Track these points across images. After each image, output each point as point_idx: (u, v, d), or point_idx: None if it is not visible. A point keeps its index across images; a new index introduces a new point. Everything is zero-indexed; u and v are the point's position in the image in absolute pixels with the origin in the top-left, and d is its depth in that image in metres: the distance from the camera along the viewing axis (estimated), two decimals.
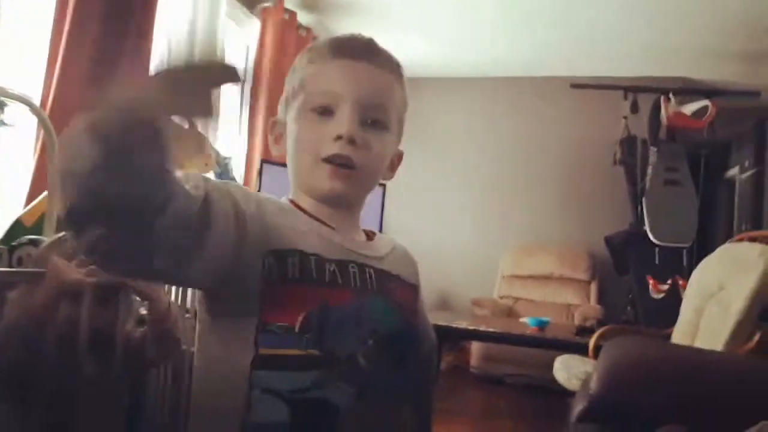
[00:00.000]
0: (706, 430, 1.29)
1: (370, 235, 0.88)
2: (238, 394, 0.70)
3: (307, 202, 0.81)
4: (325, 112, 0.79)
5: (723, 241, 2.71)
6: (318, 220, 0.79)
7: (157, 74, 0.60)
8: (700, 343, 2.25)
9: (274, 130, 0.87)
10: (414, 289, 0.87)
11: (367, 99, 0.79)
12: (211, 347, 0.75)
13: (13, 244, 1.53)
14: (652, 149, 4.01)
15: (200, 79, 0.61)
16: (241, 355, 0.71)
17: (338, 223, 0.81)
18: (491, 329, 3.36)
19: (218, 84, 0.64)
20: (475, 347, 4.31)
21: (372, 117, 0.80)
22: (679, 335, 2.44)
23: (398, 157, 0.88)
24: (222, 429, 0.71)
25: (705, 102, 3.89)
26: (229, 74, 0.62)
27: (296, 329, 0.71)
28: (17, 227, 1.82)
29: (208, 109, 0.61)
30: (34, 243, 1.51)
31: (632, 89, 4.05)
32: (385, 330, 0.76)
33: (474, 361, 4.31)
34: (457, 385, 4.11)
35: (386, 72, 0.83)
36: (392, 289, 0.81)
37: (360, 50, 0.82)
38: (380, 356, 0.75)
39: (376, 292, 0.78)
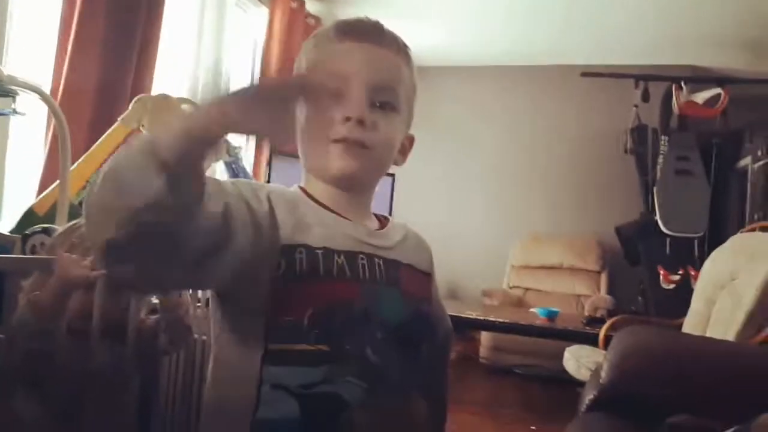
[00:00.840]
0: (716, 420, 1.28)
1: (382, 221, 0.86)
2: (249, 390, 0.70)
3: (318, 189, 0.80)
4: (334, 95, 0.76)
5: (735, 231, 2.69)
6: (327, 208, 0.79)
7: (233, 95, 0.59)
8: (711, 334, 2.24)
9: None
10: (427, 276, 0.87)
11: (375, 80, 0.78)
12: (223, 343, 0.76)
13: (27, 232, 1.54)
14: (663, 138, 3.97)
15: (276, 97, 0.60)
16: (252, 351, 0.71)
17: (349, 208, 0.80)
18: (501, 319, 3.36)
19: (293, 100, 0.63)
20: (485, 337, 4.31)
21: (381, 99, 0.78)
22: (690, 326, 2.43)
23: (409, 141, 0.87)
24: (232, 424, 0.72)
25: (717, 90, 3.85)
26: (302, 89, 0.62)
27: (305, 325, 0.70)
28: (30, 216, 1.83)
29: (286, 129, 0.62)
30: (46, 231, 1.52)
31: (643, 77, 4.00)
32: (395, 322, 0.75)
33: (483, 351, 4.31)
34: (466, 375, 4.11)
35: (394, 53, 0.81)
36: (403, 278, 0.80)
37: (367, 32, 0.80)
38: (391, 349, 0.74)
39: (386, 283, 0.77)
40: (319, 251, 0.73)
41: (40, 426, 1.15)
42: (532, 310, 3.63)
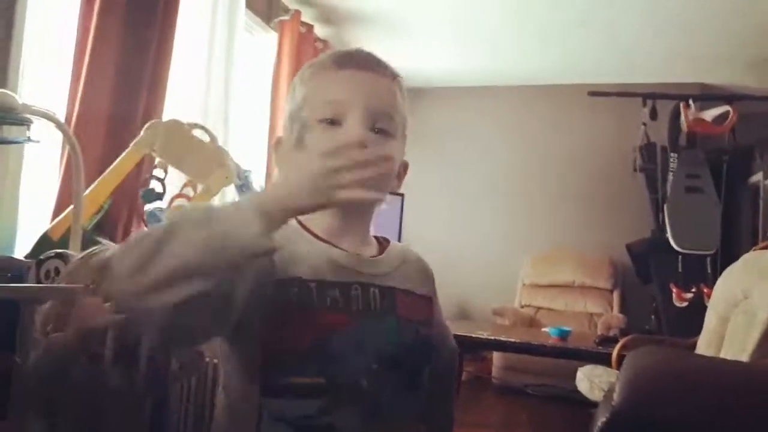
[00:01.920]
0: None
1: (382, 244, 0.87)
2: (251, 420, 0.71)
3: (313, 216, 0.77)
4: (333, 122, 0.78)
5: (747, 249, 2.67)
6: (321, 239, 0.79)
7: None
8: (725, 354, 2.21)
9: (279, 148, 0.86)
10: (427, 300, 0.87)
11: (374, 107, 0.79)
12: (230, 372, 0.77)
13: (41, 257, 1.56)
14: (673, 156, 3.96)
15: None
16: (253, 383, 0.72)
17: (346, 235, 0.81)
18: (512, 339, 3.34)
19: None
20: (497, 357, 4.28)
21: (379, 125, 0.79)
22: (703, 345, 2.40)
23: (404, 167, 0.88)
24: None
25: (726, 107, 3.84)
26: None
27: (299, 357, 0.72)
28: (45, 241, 1.85)
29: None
30: (60, 256, 1.53)
31: (651, 96, 4.01)
32: (392, 351, 0.76)
33: (495, 371, 4.28)
34: (478, 395, 4.08)
35: (390, 81, 0.83)
36: (400, 304, 0.80)
37: (364, 61, 0.82)
38: (387, 379, 0.75)
39: (381, 312, 0.78)
40: (313, 284, 0.74)
41: None
42: (544, 329, 3.61)
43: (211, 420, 0.84)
